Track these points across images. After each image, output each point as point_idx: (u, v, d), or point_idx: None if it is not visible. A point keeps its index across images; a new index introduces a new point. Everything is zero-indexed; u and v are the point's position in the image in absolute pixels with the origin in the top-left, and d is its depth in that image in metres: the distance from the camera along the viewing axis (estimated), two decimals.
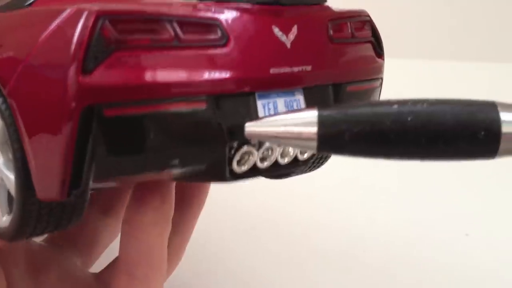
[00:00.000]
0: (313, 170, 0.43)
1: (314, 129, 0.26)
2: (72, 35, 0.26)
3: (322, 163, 0.43)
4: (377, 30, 0.38)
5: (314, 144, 0.26)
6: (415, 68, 1.12)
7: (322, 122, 0.26)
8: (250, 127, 0.28)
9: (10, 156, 0.31)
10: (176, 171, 0.30)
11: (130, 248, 0.34)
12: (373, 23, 0.38)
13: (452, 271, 0.57)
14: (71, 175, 0.27)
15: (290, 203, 0.70)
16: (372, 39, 0.38)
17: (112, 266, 0.40)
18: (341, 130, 0.25)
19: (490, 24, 1.24)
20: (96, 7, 0.26)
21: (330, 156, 0.43)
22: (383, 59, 0.38)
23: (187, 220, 0.40)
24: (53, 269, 0.39)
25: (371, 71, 0.37)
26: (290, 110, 0.31)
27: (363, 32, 0.37)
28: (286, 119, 0.27)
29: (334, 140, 0.26)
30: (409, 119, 0.25)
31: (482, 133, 0.24)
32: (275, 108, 0.32)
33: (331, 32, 0.34)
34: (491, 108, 0.25)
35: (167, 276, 0.38)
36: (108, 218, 0.44)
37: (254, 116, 0.31)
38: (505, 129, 0.24)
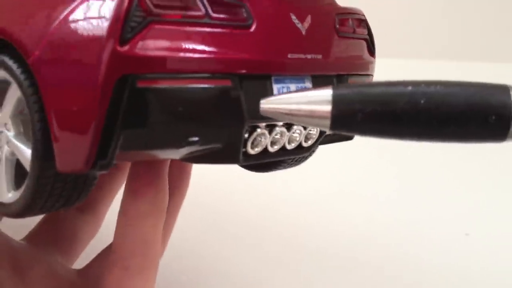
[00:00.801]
0: (296, 165, 0.44)
1: (328, 108, 0.26)
2: (111, 4, 0.26)
3: (304, 160, 0.44)
4: (371, 29, 0.40)
5: (328, 122, 0.26)
6: (415, 68, 1.12)
7: (336, 101, 0.26)
8: (266, 104, 0.28)
9: (22, 129, 0.31)
10: (195, 149, 0.30)
11: (126, 239, 0.34)
12: (368, 22, 0.40)
13: (452, 271, 0.57)
14: (98, 146, 0.27)
15: (289, 203, 0.70)
16: (367, 37, 0.39)
17: (99, 262, 0.40)
18: (354, 109, 0.26)
19: (490, 24, 1.24)
20: None
21: (311, 154, 0.43)
22: (375, 58, 0.40)
23: (172, 204, 0.40)
24: (36, 266, 0.39)
25: (367, 66, 0.39)
26: (304, 88, 0.32)
27: (361, 29, 0.39)
28: (302, 97, 0.27)
29: (348, 119, 0.26)
30: (422, 101, 0.25)
31: (493, 117, 0.25)
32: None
33: (337, 25, 0.36)
34: (504, 92, 0.25)
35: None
36: (85, 215, 0.44)
37: None
38: None
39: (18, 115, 0.31)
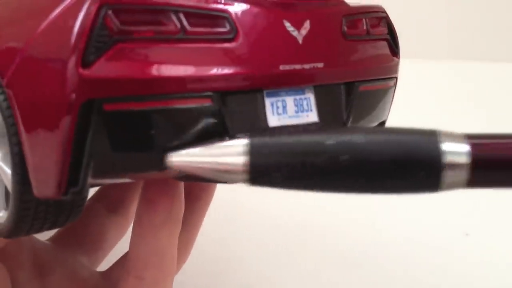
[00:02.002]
0: None
1: (243, 160, 0.24)
2: (73, 24, 0.25)
3: None
4: (393, 27, 0.37)
5: (246, 177, 0.24)
6: (415, 68, 1.12)
7: (252, 154, 0.24)
8: (174, 157, 0.26)
9: (8, 150, 0.30)
10: (179, 171, 0.29)
11: (140, 249, 0.34)
12: (389, 19, 0.37)
13: (452, 271, 0.57)
14: (68, 172, 0.26)
15: (289, 203, 0.70)
16: (388, 36, 0.36)
17: (120, 265, 0.40)
18: (271, 165, 0.24)
19: (490, 24, 1.24)
20: None
21: None
22: (399, 58, 0.37)
23: (195, 216, 0.40)
24: (59, 269, 0.38)
25: (385, 70, 0.36)
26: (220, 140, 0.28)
27: (378, 29, 0.36)
28: (214, 149, 0.25)
29: (265, 176, 0.24)
30: (345, 158, 0.23)
31: (422, 172, 0.23)
32: (284, 106, 0.30)
33: (345, 28, 0.33)
34: (432, 141, 0.23)
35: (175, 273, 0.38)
36: (116, 216, 0.43)
37: (262, 115, 0.29)
38: (448, 162, 0.23)
39: (3, 136, 0.30)
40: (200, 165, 0.25)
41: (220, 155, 0.25)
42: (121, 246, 0.43)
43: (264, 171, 0.24)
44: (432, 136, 0.23)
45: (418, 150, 0.23)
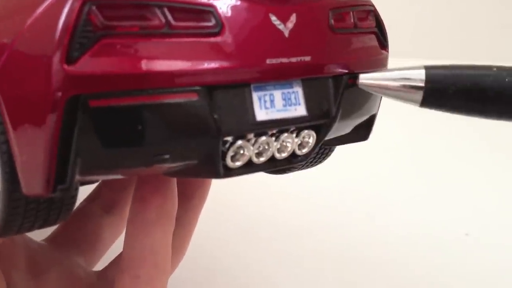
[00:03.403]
0: (314, 166, 0.43)
1: (421, 83, 0.30)
2: (57, 20, 0.25)
3: (323, 159, 0.42)
4: (382, 21, 0.37)
5: (420, 97, 0.30)
6: None
7: (429, 77, 0.30)
8: (363, 79, 0.32)
9: None
10: (167, 166, 0.29)
11: (134, 248, 0.34)
12: (378, 13, 0.37)
13: (452, 271, 0.57)
14: (55, 169, 0.26)
15: (289, 203, 0.70)
16: (376, 29, 0.36)
17: (115, 264, 0.40)
18: (446, 84, 0.29)
19: (490, 24, 1.24)
20: None
21: (331, 153, 0.42)
22: (388, 51, 0.37)
23: (189, 214, 0.39)
24: (54, 269, 0.38)
25: (374, 63, 0.36)
26: (398, 68, 0.33)
27: (366, 22, 0.35)
28: (397, 74, 0.31)
29: (439, 93, 0.30)
30: (507, 79, 0.28)
31: None
32: (272, 100, 0.30)
33: (332, 21, 0.33)
34: None
35: (171, 272, 0.38)
36: (112, 216, 0.43)
37: (250, 109, 0.29)
38: None
39: None
40: (386, 86, 0.31)
41: (403, 79, 0.31)
42: (118, 246, 0.43)
43: (439, 92, 0.30)
44: None
45: None
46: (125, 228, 0.43)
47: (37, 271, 0.38)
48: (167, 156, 0.28)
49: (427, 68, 0.30)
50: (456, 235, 0.64)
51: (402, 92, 0.31)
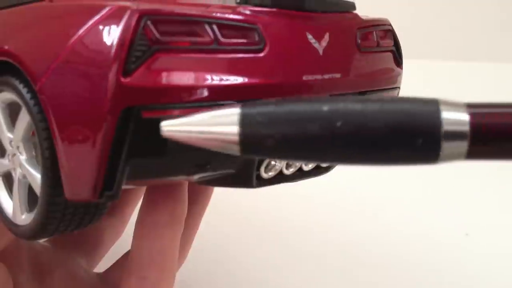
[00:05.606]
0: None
1: (235, 130, 0.23)
2: (115, 34, 0.25)
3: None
4: (398, 39, 0.38)
5: (237, 148, 0.23)
6: (415, 68, 1.12)
7: (244, 123, 0.23)
8: (166, 126, 0.24)
9: (34, 153, 0.30)
10: (207, 175, 0.30)
11: (143, 250, 0.34)
12: (394, 32, 0.38)
13: (452, 271, 0.57)
14: (104, 177, 0.26)
15: (289, 203, 0.70)
16: (393, 48, 0.38)
17: (120, 266, 0.40)
18: (262, 134, 0.23)
19: (490, 24, 1.24)
20: (137, 5, 0.26)
21: None
22: (402, 68, 0.38)
23: (193, 218, 0.40)
24: (57, 270, 0.39)
25: (392, 80, 0.37)
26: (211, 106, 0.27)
27: (386, 41, 0.37)
28: (207, 117, 0.24)
29: (257, 145, 0.23)
30: (338, 124, 0.22)
31: (420, 140, 0.22)
32: None
33: (359, 40, 0.34)
34: (432, 109, 0.22)
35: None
36: (112, 218, 0.44)
37: None
38: (447, 131, 0.22)
39: (30, 138, 0.31)
40: (193, 135, 0.24)
41: (213, 124, 0.24)
42: (117, 248, 0.43)
43: (258, 139, 0.23)
44: (431, 104, 0.22)
45: (416, 117, 0.22)
46: (124, 230, 0.43)
47: (42, 272, 0.38)
48: (208, 166, 0.29)
49: (243, 109, 0.23)
50: (456, 235, 0.64)
51: (213, 142, 0.23)
